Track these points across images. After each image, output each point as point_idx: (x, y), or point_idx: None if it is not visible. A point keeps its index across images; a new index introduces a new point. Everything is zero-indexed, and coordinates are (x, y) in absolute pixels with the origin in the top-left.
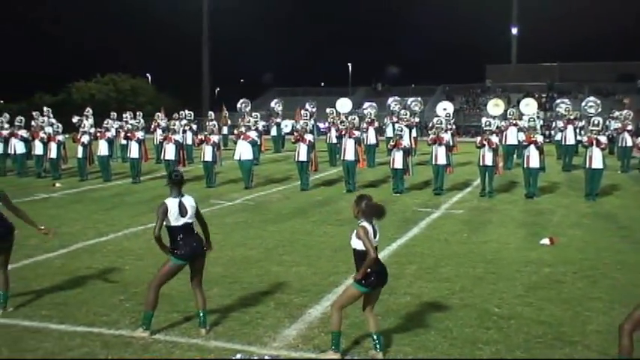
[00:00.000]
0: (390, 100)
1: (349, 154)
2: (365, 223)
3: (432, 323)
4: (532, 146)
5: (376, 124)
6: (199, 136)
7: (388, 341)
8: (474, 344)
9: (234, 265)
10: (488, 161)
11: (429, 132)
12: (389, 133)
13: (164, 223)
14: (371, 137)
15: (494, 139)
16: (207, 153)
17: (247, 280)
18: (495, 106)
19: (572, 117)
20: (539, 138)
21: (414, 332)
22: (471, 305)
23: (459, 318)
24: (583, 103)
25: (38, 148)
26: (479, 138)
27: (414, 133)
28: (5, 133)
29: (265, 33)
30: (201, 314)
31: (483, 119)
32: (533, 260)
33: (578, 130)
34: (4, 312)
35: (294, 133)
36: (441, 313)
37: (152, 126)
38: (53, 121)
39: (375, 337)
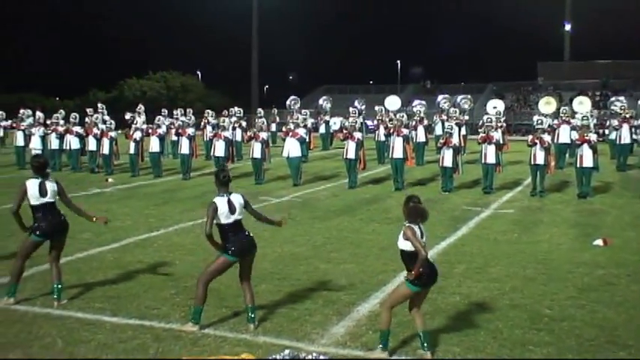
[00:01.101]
0: (440, 97)
1: (398, 152)
2: (412, 224)
3: (482, 323)
4: (585, 145)
5: (425, 122)
6: (248, 133)
7: (436, 341)
8: (524, 346)
9: (283, 261)
10: (540, 160)
11: (479, 130)
12: (438, 131)
13: (214, 221)
14: (420, 135)
15: (546, 137)
16: (256, 150)
17: (295, 276)
18: (547, 104)
19: (627, 115)
20: (593, 137)
21: (463, 332)
22: (522, 306)
23: (509, 319)
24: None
25: (92, 144)
26: (530, 136)
27: (463, 131)
28: (61, 129)
29: (314, 30)
30: (250, 310)
31: (535, 117)
32: (586, 261)
33: (633, 129)
34: (59, 304)
35: (343, 130)
36: (490, 314)
37: (202, 123)
38: (106, 117)
39: (422, 336)
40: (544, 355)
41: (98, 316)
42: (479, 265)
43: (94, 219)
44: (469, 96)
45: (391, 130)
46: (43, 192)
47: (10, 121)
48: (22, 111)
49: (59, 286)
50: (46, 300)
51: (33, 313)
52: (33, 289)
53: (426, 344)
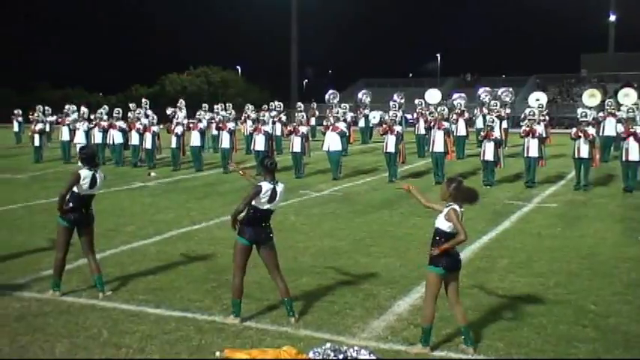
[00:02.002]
0: (481, 90)
1: (438, 146)
2: (456, 206)
3: (525, 319)
4: (631, 138)
5: (466, 115)
6: (288, 127)
7: (479, 336)
8: (569, 342)
9: (323, 255)
10: (584, 153)
11: (521, 123)
12: (479, 124)
13: (252, 203)
14: (461, 128)
15: (591, 130)
16: (296, 144)
17: (336, 270)
18: (591, 97)
19: None
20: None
21: (506, 327)
22: (566, 302)
23: (553, 314)
24: None
25: (135, 139)
26: (574, 129)
27: (504, 125)
28: (104, 124)
29: (353, 24)
30: (287, 302)
31: (579, 110)
32: (632, 257)
33: None
34: (104, 295)
35: (383, 124)
36: (534, 309)
37: (242, 117)
38: (149, 112)
39: (464, 331)
40: (589, 352)
41: (142, 307)
42: (522, 259)
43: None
44: (510, 89)
45: (431, 124)
46: (93, 184)
47: (55, 117)
48: (67, 106)
49: (100, 277)
50: (92, 292)
51: (79, 304)
52: (79, 281)
53: (468, 339)
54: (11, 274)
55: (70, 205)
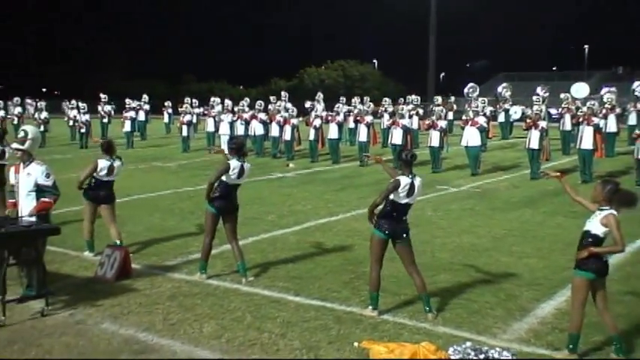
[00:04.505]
0: (635, 84)
1: (587, 143)
2: (614, 212)
3: None
4: None
5: (617, 110)
6: (426, 121)
7: (631, 346)
8: None
9: (462, 252)
10: None
11: None
12: (632, 120)
13: (390, 197)
14: (611, 125)
15: None
16: (434, 138)
17: (475, 268)
18: None
19: None
20: None
21: None
22: None
23: None
24: None
25: (275, 130)
26: None
27: None
28: (246, 116)
29: (492, 16)
30: (424, 298)
31: None
32: None
33: None
34: (246, 281)
35: (527, 119)
36: None
37: (379, 111)
38: (289, 105)
39: (615, 339)
40: None
41: (282, 294)
42: None
43: None
44: None
45: (580, 119)
46: (240, 174)
47: (202, 109)
48: (212, 99)
49: (243, 264)
50: (235, 276)
51: (224, 287)
52: (223, 266)
53: (619, 349)
54: (163, 256)
55: (217, 193)
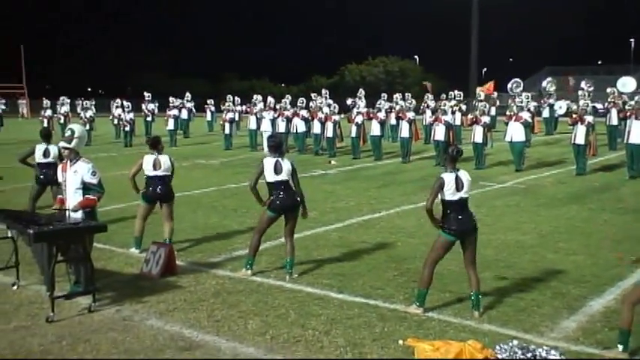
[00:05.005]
0: None
1: (635, 137)
2: None
3: None
4: None
5: None
6: (469, 117)
7: None
8: None
9: (507, 249)
10: None
11: None
12: None
13: (439, 196)
14: None
15: None
16: (478, 134)
17: (521, 265)
18: None
19: None
20: None
21: None
22: None
23: None
24: None
25: (316, 128)
26: None
27: None
28: (288, 113)
29: (534, 10)
30: (475, 296)
31: None
32: None
33: None
34: (291, 278)
35: (572, 114)
36: None
37: (421, 107)
38: (330, 102)
39: None
40: None
41: (326, 291)
42: None
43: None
44: None
45: (627, 114)
46: (277, 170)
47: (244, 106)
48: (254, 97)
49: (292, 260)
50: (279, 273)
51: (268, 284)
52: (267, 262)
53: None
54: (207, 253)
55: (272, 196)
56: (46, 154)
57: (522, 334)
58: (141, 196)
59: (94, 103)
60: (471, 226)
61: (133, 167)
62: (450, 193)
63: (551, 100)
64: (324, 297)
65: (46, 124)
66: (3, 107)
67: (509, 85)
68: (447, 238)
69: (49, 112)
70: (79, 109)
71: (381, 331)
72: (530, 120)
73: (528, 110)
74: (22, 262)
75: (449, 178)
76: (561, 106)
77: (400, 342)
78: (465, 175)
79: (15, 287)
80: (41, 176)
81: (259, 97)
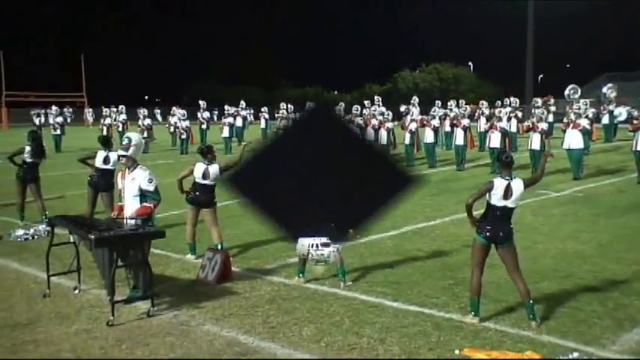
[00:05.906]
0: None
1: None
2: None
3: None
4: None
5: None
6: (525, 124)
7: None
8: None
9: (565, 258)
10: None
11: None
12: None
13: (483, 197)
14: None
15: None
16: (535, 141)
17: (580, 275)
18: None
19: None
20: None
21: None
22: None
23: None
24: None
25: (370, 135)
26: None
27: None
28: None
29: (593, 14)
30: (527, 305)
31: None
32: None
33: None
34: (344, 285)
35: (632, 121)
36: None
37: (476, 114)
38: (383, 109)
39: None
40: None
41: (380, 299)
42: None
43: None
44: None
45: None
46: None
47: (298, 114)
48: (308, 104)
49: (343, 268)
50: (333, 281)
51: (322, 291)
52: (322, 270)
53: None
54: (262, 260)
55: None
56: (106, 160)
57: (583, 347)
58: (185, 197)
59: (158, 111)
60: (504, 234)
61: (184, 171)
62: (496, 198)
63: (611, 107)
64: (379, 305)
65: (105, 132)
66: (69, 115)
67: (566, 92)
68: (479, 240)
69: (108, 120)
70: (140, 117)
71: (437, 341)
72: (588, 127)
73: (587, 117)
74: (84, 267)
75: (500, 183)
76: (621, 113)
77: (456, 352)
78: (518, 185)
79: (77, 291)
80: (94, 179)
81: (312, 104)
